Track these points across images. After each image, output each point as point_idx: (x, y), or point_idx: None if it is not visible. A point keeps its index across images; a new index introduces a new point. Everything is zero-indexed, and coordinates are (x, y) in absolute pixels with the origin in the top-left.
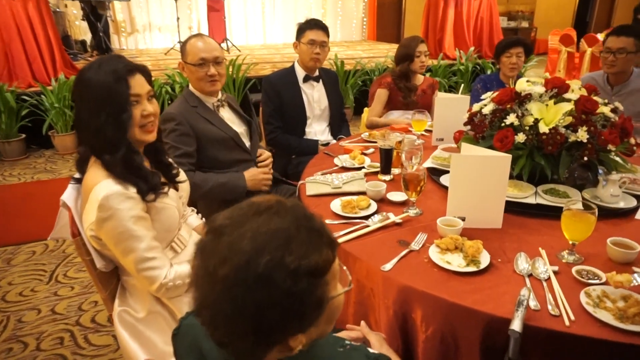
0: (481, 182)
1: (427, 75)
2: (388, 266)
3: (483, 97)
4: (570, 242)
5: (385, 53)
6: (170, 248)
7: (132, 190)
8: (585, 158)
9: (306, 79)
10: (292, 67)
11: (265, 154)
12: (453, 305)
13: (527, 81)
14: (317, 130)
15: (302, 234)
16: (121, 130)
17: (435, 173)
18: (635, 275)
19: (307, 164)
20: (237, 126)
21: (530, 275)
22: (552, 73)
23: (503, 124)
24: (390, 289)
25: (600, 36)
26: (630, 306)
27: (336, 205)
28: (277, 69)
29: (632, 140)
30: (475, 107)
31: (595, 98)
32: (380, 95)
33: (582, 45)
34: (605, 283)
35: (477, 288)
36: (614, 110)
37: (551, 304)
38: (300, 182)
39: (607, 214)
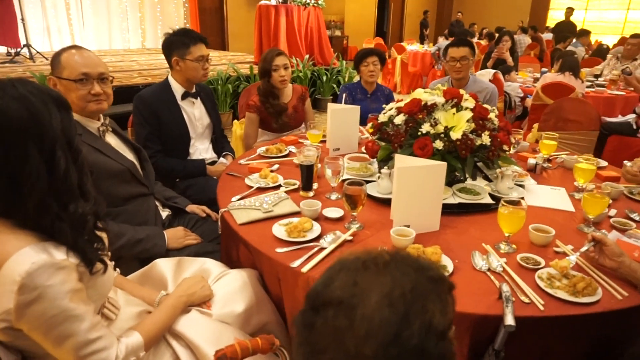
0: (421, 189)
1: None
2: None
3: (387, 107)
4: (506, 234)
5: (219, 60)
6: (102, 315)
7: (59, 256)
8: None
9: (185, 95)
10: (166, 83)
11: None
12: None
13: (425, 92)
14: (201, 149)
15: (431, 286)
16: (84, 174)
17: (355, 184)
18: (570, 258)
19: (196, 187)
20: (128, 154)
21: (489, 270)
22: None
23: (420, 133)
24: None
25: (404, 44)
26: (577, 282)
27: (279, 231)
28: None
29: (513, 139)
30: (382, 117)
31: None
32: (252, 119)
33: (392, 52)
34: (545, 266)
35: (455, 292)
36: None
37: (519, 293)
38: (223, 210)
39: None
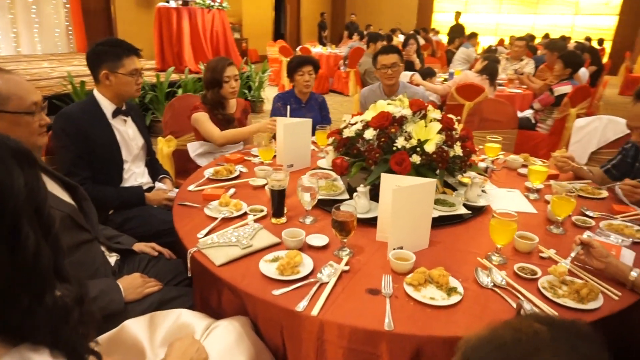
0: (414, 208)
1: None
2: (388, 324)
3: (352, 121)
4: (498, 246)
5: None
6: None
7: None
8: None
9: (116, 113)
10: (93, 99)
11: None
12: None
13: (389, 104)
14: (137, 173)
15: (598, 350)
16: (60, 251)
17: (326, 204)
18: (564, 262)
19: (137, 220)
20: (65, 196)
21: (494, 286)
22: (277, 80)
23: (395, 148)
24: (403, 346)
25: (309, 46)
26: (579, 288)
27: (269, 269)
28: None
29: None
30: (347, 132)
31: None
32: (206, 116)
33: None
34: (543, 275)
35: (476, 315)
36: None
37: (533, 307)
38: (193, 249)
39: (478, 211)
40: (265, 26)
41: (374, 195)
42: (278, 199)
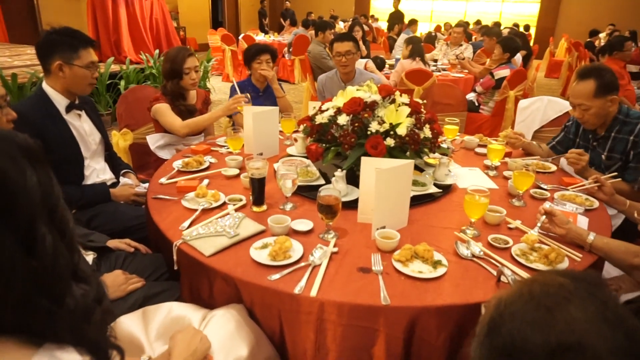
0: (394, 189)
1: None
2: (384, 298)
3: (324, 108)
4: (473, 220)
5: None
6: None
7: (72, 358)
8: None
9: (70, 107)
10: (42, 93)
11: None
12: (464, 307)
13: (357, 89)
14: (98, 169)
15: (612, 295)
16: (76, 251)
17: (304, 190)
18: (533, 231)
19: (104, 216)
20: None
21: (473, 257)
22: (221, 69)
23: (369, 132)
24: (399, 318)
25: (252, 34)
26: (548, 253)
27: (261, 256)
28: None
29: None
30: (320, 118)
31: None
32: (168, 107)
33: (241, 43)
34: (514, 244)
35: (461, 283)
36: None
37: (512, 272)
38: (178, 242)
39: (446, 189)
40: (202, 14)
41: (349, 179)
42: (258, 188)
